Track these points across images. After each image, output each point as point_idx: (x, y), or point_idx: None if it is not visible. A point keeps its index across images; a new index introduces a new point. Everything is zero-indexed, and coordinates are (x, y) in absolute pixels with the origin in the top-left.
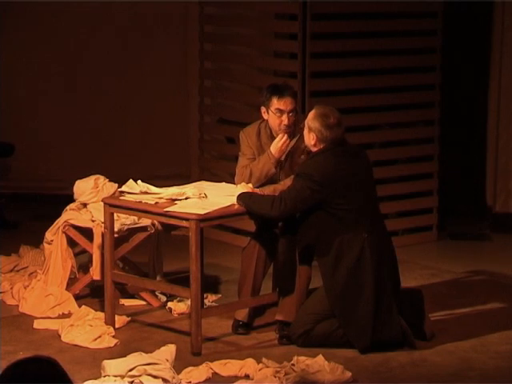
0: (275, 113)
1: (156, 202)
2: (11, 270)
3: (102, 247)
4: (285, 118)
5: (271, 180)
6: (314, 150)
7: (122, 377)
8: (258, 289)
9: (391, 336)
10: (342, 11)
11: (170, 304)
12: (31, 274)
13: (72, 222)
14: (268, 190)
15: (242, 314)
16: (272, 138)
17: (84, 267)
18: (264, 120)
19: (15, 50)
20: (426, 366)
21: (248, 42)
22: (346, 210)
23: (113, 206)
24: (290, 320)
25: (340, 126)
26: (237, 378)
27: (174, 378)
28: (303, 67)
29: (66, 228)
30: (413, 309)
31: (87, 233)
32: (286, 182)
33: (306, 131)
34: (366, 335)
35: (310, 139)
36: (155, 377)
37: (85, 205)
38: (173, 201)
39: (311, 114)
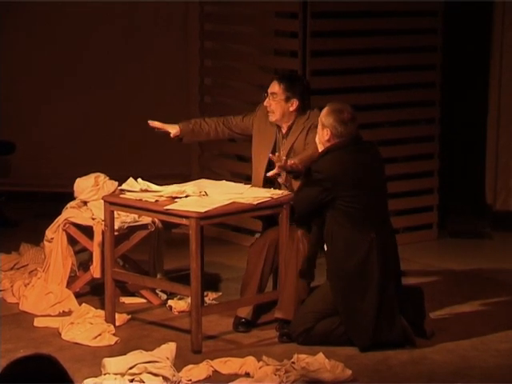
0: (265, 95)
1: (156, 200)
2: (11, 268)
3: (102, 245)
4: (266, 100)
5: (270, 181)
6: (327, 145)
7: (123, 375)
8: (264, 288)
9: (392, 337)
10: (343, 9)
11: (170, 302)
12: (31, 271)
13: (72, 219)
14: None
15: (244, 311)
16: (271, 123)
17: (84, 265)
18: None
19: (16, 48)
20: (426, 365)
21: (248, 40)
22: (356, 207)
23: (113, 203)
24: (289, 318)
25: (354, 121)
26: (237, 375)
27: (174, 375)
28: (303, 65)
29: (67, 226)
30: (413, 307)
31: (87, 231)
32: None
33: (319, 128)
34: (367, 334)
35: (323, 135)
36: (155, 375)
37: (85, 203)
38: (173, 199)
39: (325, 111)
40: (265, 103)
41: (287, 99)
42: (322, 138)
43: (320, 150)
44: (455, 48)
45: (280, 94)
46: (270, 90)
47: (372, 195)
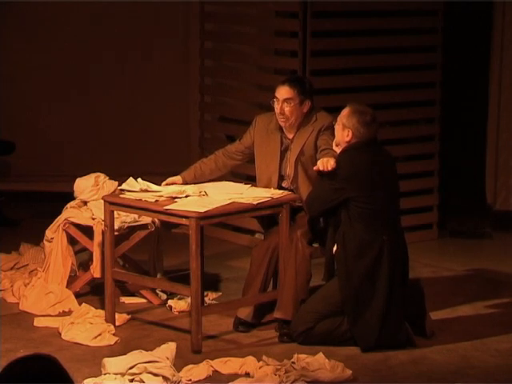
0: (275, 100)
1: (156, 200)
2: (11, 268)
3: (102, 245)
4: (277, 106)
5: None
6: (345, 146)
7: (123, 375)
8: (266, 290)
9: (395, 342)
10: (343, 9)
11: (170, 302)
12: (31, 271)
13: (72, 219)
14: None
15: (244, 313)
16: (279, 128)
17: (84, 265)
18: None
19: (16, 48)
20: (426, 364)
21: (249, 40)
22: (369, 208)
23: (113, 203)
24: (288, 318)
25: (376, 123)
26: (237, 375)
27: (174, 375)
28: (304, 65)
29: (67, 226)
30: (413, 304)
31: (87, 231)
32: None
33: (339, 128)
34: (372, 336)
35: (343, 136)
36: (155, 375)
37: (85, 203)
38: (173, 199)
39: (346, 112)
40: (277, 110)
41: (301, 102)
42: (341, 139)
43: (337, 151)
44: (455, 47)
45: (295, 98)
46: (282, 96)
47: (384, 197)
